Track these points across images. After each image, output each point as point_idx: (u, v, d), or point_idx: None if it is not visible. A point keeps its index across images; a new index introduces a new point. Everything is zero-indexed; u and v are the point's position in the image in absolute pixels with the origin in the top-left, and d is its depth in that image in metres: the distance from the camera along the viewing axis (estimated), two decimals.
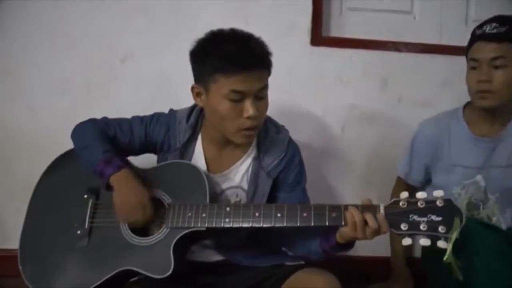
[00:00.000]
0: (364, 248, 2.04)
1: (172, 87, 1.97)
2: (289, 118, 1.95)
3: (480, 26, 1.61)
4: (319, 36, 2.04)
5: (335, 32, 2.11)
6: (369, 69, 2.07)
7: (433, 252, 1.45)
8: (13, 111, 1.98)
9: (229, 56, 1.33)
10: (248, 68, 1.32)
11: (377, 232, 1.25)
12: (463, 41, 2.07)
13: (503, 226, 1.67)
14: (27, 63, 1.97)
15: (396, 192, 1.80)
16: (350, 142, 2.09)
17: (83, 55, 1.97)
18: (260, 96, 1.38)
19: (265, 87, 1.39)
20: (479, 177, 1.66)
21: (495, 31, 1.56)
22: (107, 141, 1.46)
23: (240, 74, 1.32)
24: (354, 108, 2.08)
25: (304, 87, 2.05)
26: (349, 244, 1.33)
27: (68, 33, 1.97)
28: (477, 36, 1.60)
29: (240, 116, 1.36)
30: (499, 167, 1.66)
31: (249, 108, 1.34)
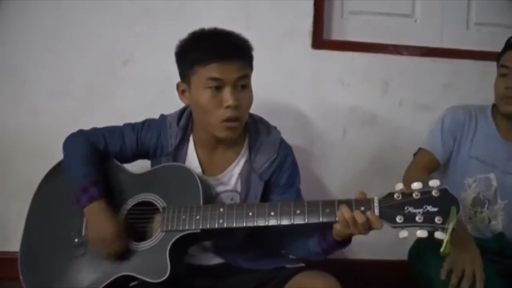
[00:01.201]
0: (364, 251, 2.05)
1: (173, 89, 1.95)
2: (290, 121, 1.96)
3: None
4: (321, 39, 2.05)
5: (336, 35, 2.12)
6: (370, 72, 2.08)
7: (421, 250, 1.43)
8: (16, 112, 1.99)
9: (206, 47, 1.36)
10: (224, 56, 1.35)
11: (370, 227, 1.24)
12: (464, 44, 2.09)
13: (498, 231, 1.66)
14: (29, 64, 1.98)
15: (416, 167, 1.70)
16: (351, 145, 2.09)
17: (85, 57, 1.98)
18: (240, 86, 1.38)
19: (245, 77, 1.39)
20: (492, 175, 1.66)
21: None
22: (92, 160, 1.46)
23: (215, 62, 1.34)
24: (355, 111, 2.08)
25: (305, 90, 2.05)
26: (346, 240, 1.33)
27: (71, 35, 1.97)
28: (510, 45, 1.63)
29: (220, 106, 1.37)
30: None
31: (228, 98, 1.35)
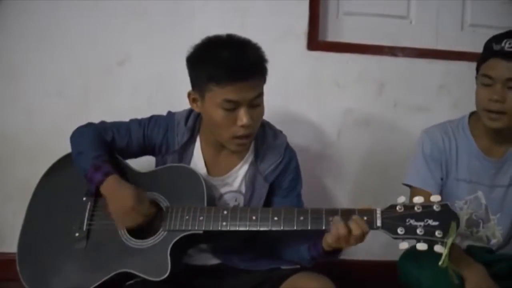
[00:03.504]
0: (359, 252, 2.05)
1: (169, 90, 1.97)
2: (285, 123, 1.95)
3: (498, 41, 1.46)
4: (316, 41, 2.05)
5: (331, 37, 2.12)
6: (365, 74, 2.08)
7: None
8: (11, 113, 1.99)
9: (223, 65, 1.33)
10: (242, 78, 1.32)
11: (361, 239, 1.25)
12: (459, 46, 2.09)
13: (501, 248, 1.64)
14: (25, 65, 1.98)
15: None
16: (346, 147, 2.09)
17: (81, 57, 1.98)
18: (255, 104, 1.38)
19: (260, 95, 1.39)
20: (480, 193, 1.61)
21: None
22: (101, 146, 1.46)
23: (233, 84, 1.32)
24: (350, 112, 2.08)
25: (300, 92, 2.05)
26: (337, 251, 1.33)
27: (66, 36, 1.97)
28: (494, 52, 1.46)
29: (234, 124, 1.37)
30: (502, 186, 1.60)
31: (243, 117, 1.35)
